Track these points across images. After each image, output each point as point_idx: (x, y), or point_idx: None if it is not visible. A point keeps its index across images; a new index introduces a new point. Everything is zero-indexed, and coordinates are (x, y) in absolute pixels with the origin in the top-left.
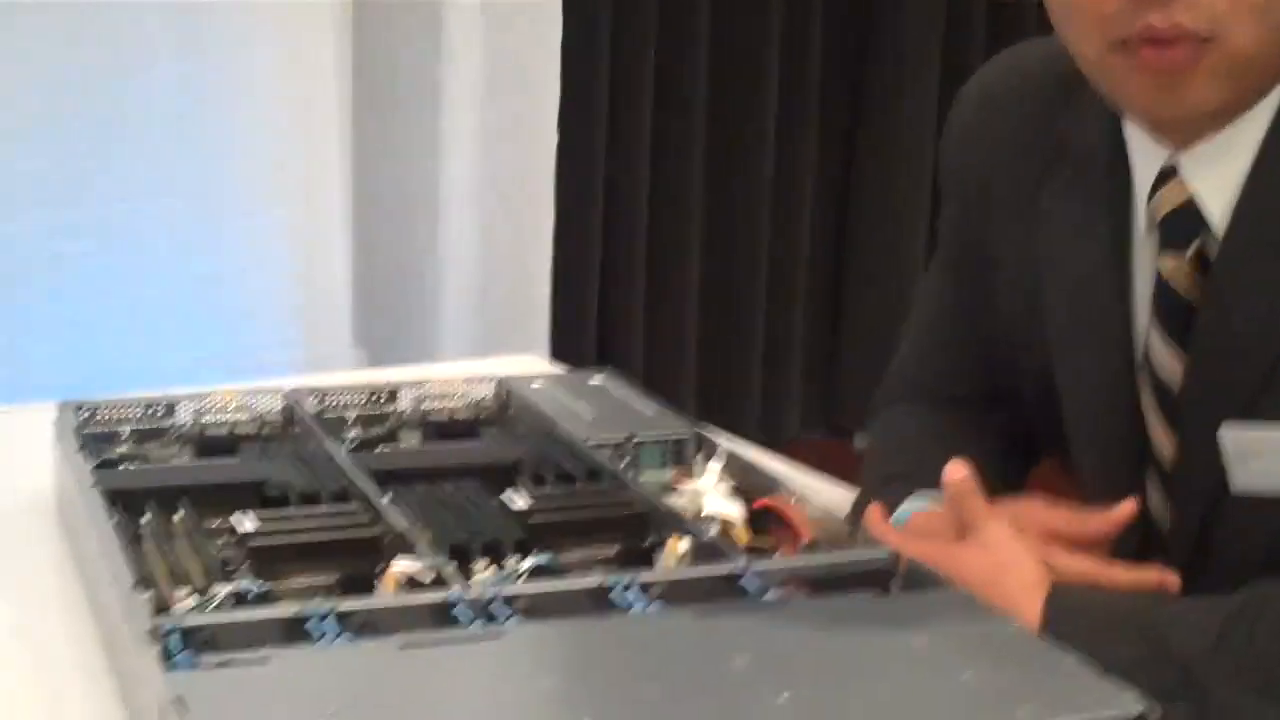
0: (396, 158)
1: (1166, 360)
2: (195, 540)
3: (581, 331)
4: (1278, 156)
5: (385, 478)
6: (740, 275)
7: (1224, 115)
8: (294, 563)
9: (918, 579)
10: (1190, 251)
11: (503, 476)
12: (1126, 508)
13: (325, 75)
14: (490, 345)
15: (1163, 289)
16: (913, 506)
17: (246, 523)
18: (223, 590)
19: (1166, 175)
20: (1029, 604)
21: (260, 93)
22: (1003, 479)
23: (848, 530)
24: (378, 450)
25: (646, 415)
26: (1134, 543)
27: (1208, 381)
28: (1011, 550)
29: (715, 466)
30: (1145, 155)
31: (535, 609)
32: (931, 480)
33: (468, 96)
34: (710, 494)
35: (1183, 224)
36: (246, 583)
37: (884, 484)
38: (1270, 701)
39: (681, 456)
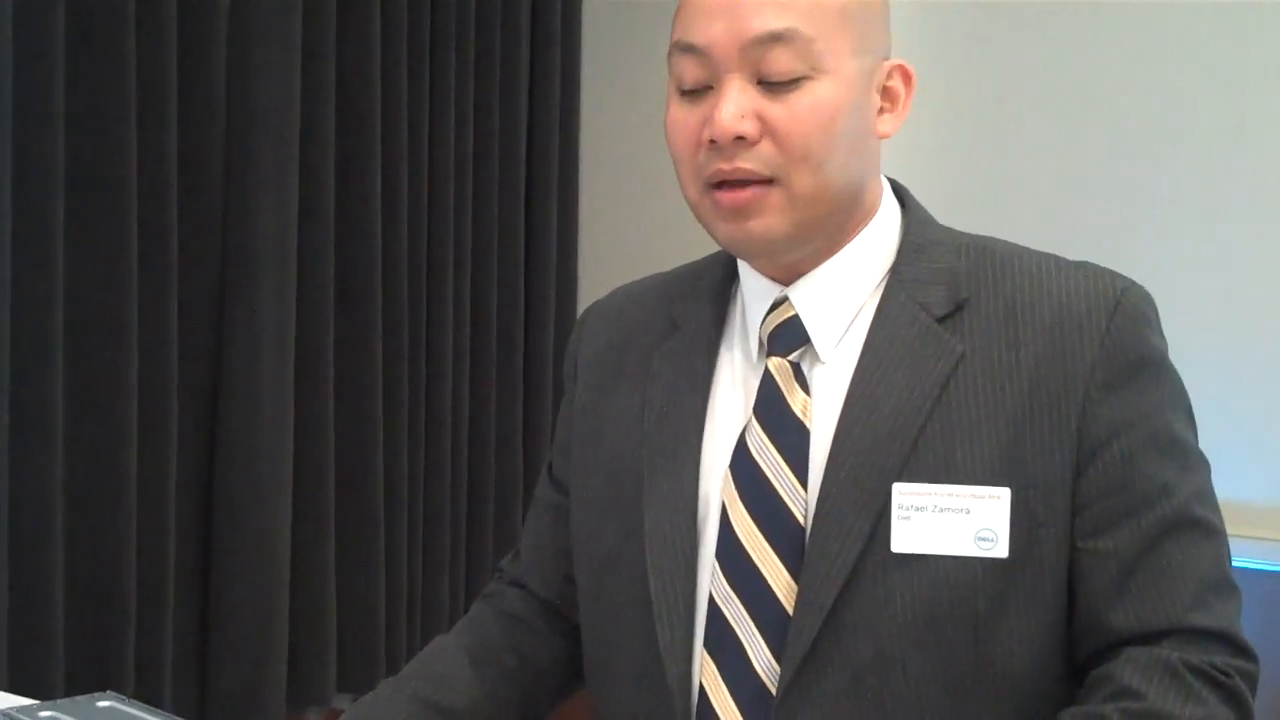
0: None
1: (763, 441)
2: None
3: None
4: (858, 288)
5: None
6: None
7: (793, 244)
8: None
9: None
10: (793, 355)
11: None
12: None
13: None
14: None
15: (768, 383)
16: None
17: None
18: None
19: (777, 304)
20: None
21: None
22: (525, 701)
23: None
24: None
25: None
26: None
27: (841, 450)
28: None
29: None
30: (759, 295)
31: None
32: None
33: None
34: None
35: (787, 335)
36: None
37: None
38: None
39: None
